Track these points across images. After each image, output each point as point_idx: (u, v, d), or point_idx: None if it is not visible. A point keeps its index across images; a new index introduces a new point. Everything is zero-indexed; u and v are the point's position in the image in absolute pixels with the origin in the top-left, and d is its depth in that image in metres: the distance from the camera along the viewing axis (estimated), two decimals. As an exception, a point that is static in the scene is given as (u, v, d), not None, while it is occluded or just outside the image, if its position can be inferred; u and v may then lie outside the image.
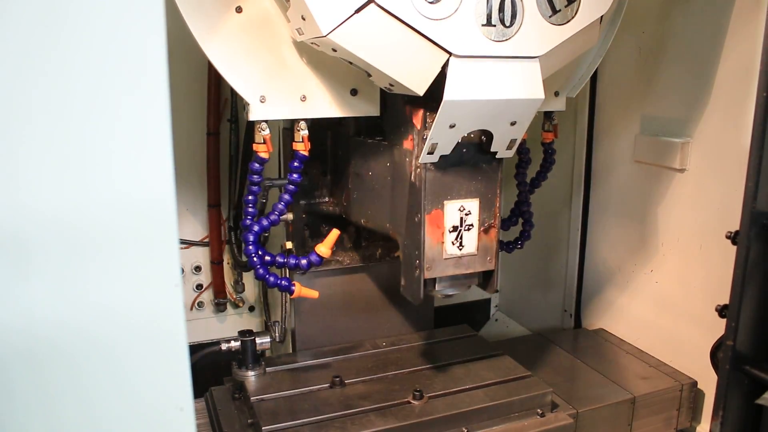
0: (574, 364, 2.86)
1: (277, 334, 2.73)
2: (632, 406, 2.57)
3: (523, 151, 2.71)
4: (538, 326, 3.73)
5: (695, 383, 2.67)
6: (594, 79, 3.16)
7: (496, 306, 4.20)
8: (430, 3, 1.74)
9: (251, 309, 3.56)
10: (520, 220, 2.83)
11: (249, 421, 2.26)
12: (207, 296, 3.44)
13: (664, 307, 2.88)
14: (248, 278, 3.48)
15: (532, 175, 2.83)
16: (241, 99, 2.07)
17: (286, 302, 2.72)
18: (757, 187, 1.70)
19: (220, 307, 3.45)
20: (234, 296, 3.47)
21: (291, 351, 2.78)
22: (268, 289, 3.23)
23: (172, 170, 1.00)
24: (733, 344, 1.83)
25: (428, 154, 2.00)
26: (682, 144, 2.68)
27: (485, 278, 2.30)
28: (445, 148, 2.01)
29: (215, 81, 3.07)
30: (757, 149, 1.70)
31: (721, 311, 1.91)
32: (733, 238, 1.84)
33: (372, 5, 1.70)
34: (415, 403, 2.27)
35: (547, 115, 2.65)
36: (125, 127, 0.97)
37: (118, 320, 1.00)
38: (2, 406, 0.98)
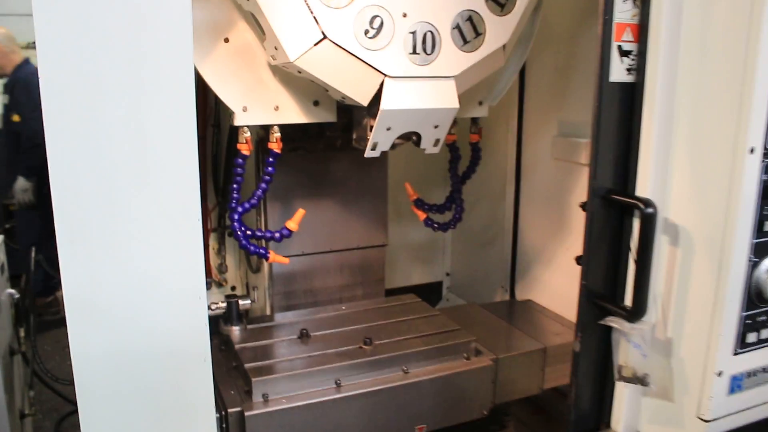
0: (500, 325, 3.38)
1: (256, 297, 3.28)
2: (544, 354, 3.07)
3: (453, 149, 3.25)
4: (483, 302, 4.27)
5: (596, 337, 3.23)
6: (522, 90, 3.69)
7: (448, 287, 4.66)
8: (370, 38, 2.31)
9: (233, 288, 4.07)
10: (454, 206, 3.37)
11: (234, 364, 2.76)
12: (195, 276, 3.95)
13: (576, 278, 3.45)
14: (230, 261, 3.99)
15: (463, 169, 3.35)
16: (226, 108, 2.58)
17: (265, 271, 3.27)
18: (596, 168, 2.32)
19: (206, 286, 3.97)
20: (218, 277, 3.99)
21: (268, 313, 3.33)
22: (247, 269, 3.78)
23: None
24: (586, 283, 2.43)
25: (371, 150, 2.58)
26: (586, 143, 3.23)
27: None
28: (384, 145, 2.59)
29: (203, 93, 3.58)
30: (595, 139, 2.31)
31: (578, 260, 2.51)
32: (583, 206, 2.42)
33: (326, 40, 2.27)
34: (366, 347, 2.78)
35: (474, 121, 3.18)
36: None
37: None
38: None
